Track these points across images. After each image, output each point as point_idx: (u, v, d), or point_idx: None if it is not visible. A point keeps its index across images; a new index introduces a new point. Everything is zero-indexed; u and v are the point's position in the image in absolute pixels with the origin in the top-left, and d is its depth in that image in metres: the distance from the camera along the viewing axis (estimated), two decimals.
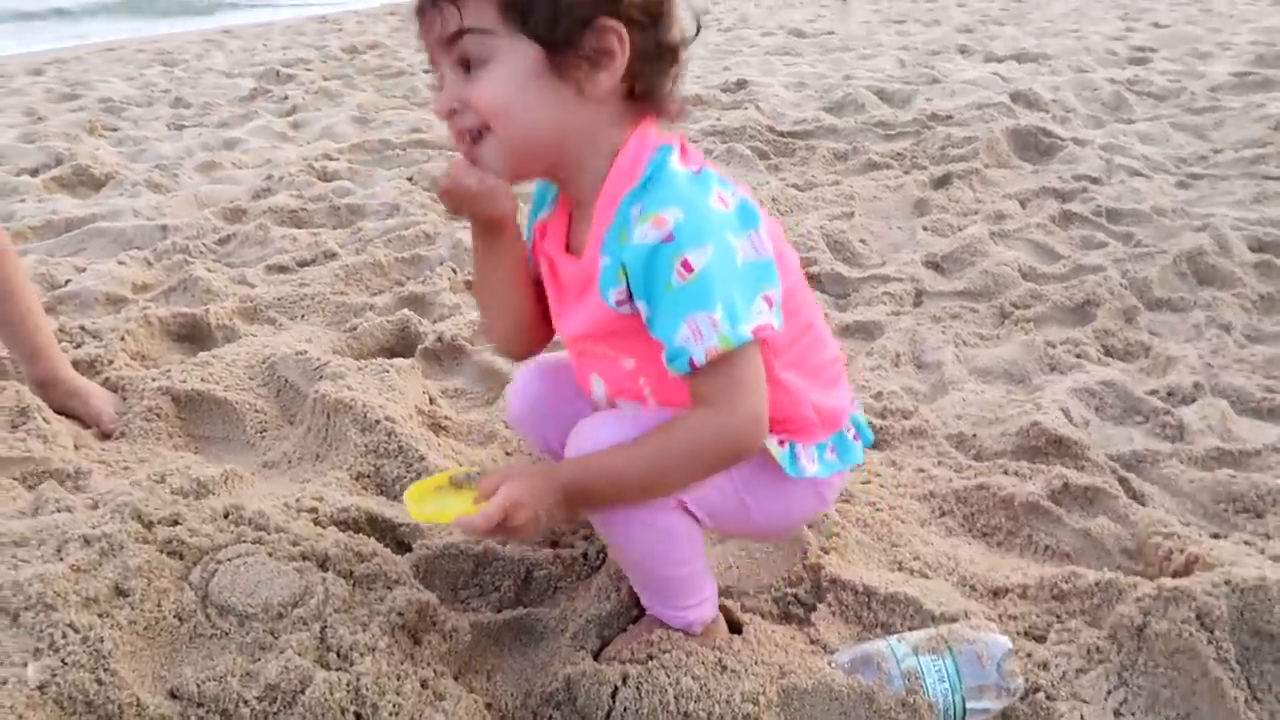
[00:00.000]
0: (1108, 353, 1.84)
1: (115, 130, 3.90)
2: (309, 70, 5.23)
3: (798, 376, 0.96)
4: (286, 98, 4.32)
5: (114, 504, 0.92)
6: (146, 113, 4.29)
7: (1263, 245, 2.28)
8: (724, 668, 0.92)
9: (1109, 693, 0.96)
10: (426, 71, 5.05)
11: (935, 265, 2.21)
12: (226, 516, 0.94)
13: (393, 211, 2.47)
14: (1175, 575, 1.09)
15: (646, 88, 0.88)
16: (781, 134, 3.32)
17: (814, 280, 2.11)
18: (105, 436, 1.47)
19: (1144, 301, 2.02)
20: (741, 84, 4.19)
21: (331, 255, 2.19)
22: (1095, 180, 2.82)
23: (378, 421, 1.31)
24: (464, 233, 2.27)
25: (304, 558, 0.91)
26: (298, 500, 1.11)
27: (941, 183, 2.78)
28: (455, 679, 0.91)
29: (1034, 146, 3.16)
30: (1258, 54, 4.81)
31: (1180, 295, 2.05)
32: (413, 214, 2.44)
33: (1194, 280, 2.13)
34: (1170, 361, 1.75)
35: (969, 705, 0.93)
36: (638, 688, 0.89)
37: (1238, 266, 2.15)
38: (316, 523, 1.05)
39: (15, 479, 1.27)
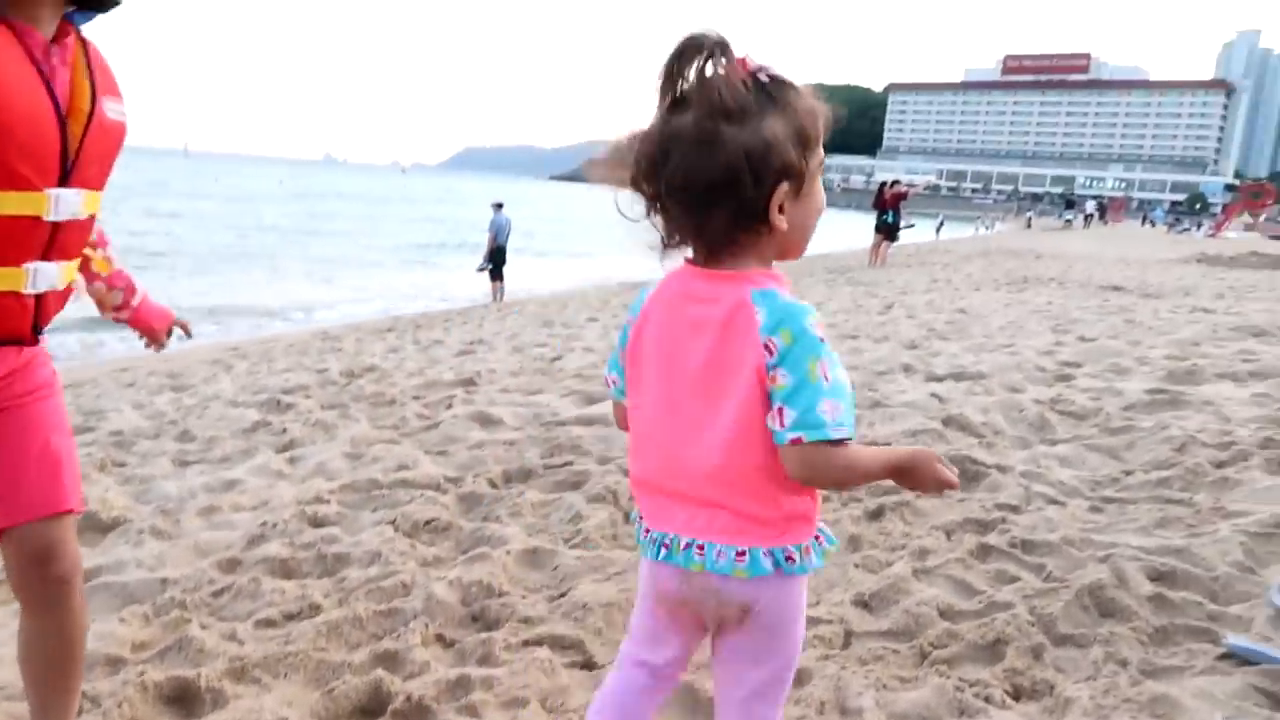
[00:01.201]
0: (1015, 693, 2.03)
1: (123, 466, 4.22)
2: (308, 398, 5.67)
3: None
4: (285, 430, 4.69)
5: None
6: (154, 446, 4.64)
7: (1160, 575, 2.54)
8: None
9: None
10: (415, 398, 5.50)
11: (864, 604, 2.44)
12: None
13: (374, 560, 2.72)
14: None
15: None
16: None
17: None
18: None
19: (1050, 638, 2.24)
20: None
21: (316, 608, 2.41)
22: (1014, 509, 3.12)
23: None
24: (437, 584, 2.50)
25: None
26: None
27: (875, 515, 3.07)
28: None
29: (962, 473, 3.47)
30: (1169, 370, 5.33)
31: (1082, 630, 2.27)
32: (392, 562, 2.69)
33: (1096, 614, 2.36)
34: (1067, 703, 1.94)
35: None
36: None
37: (1134, 599, 2.39)
38: None
39: None
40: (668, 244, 1.27)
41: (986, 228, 51.30)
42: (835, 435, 1.17)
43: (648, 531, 1.33)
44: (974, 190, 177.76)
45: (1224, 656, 2.13)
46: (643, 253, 1.28)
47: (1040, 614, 2.31)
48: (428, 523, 3.06)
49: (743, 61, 1.19)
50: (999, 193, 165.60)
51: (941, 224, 43.50)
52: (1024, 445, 3.97)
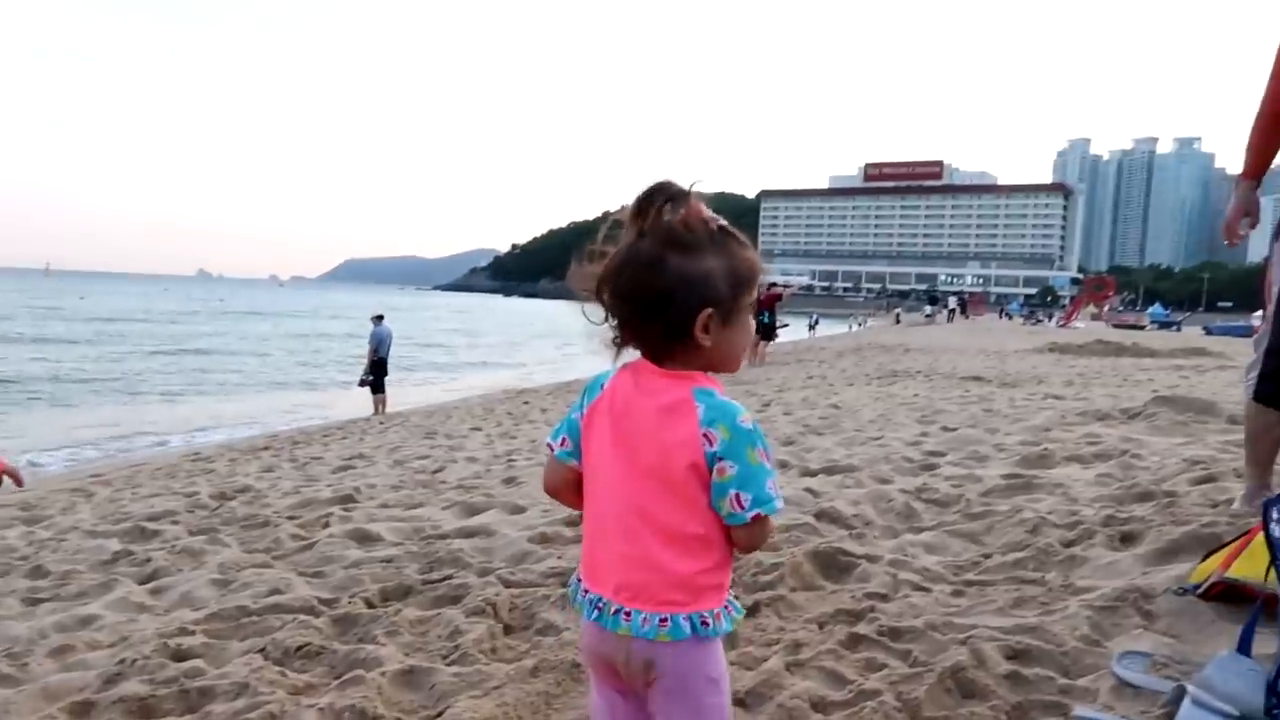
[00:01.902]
0: None
1: None
2: (175, 524, 5.43)
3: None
4: (149, 560, 4.48)
5: None
6: (1, 585, 4.34)
7: (1015, 654, 2.67)
8: None
9: None
10: (290, 518, 5.33)
11: (740, 702, 2.47)
12: None
13: (241, 691, 2.61)
14: None
15: None
16: None
17: None
18: None
19: None
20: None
21: None
22: (883, 597, 3.24)
23: None
24: (308, 712, 2.43)
25: None
26: None
27: (752, 612, 3.13)
28: None
29: (834, 565, 3.61)
30: (1023, 455, 5.66)
31: (945, 713, 2.36)
32: (261, 693, 2.59)
33: (958, 695, 2.46)
34: None
35: None
36: None
37: (993, 679, 2.50)
38: None
39: None
40: (619, 344, 1.50)
41: (859, 324, 53.73)
42: (780, 507, 1.45)
43: (585, 592, 1.51)
44: (846, 289, 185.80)
45: None
46: (603, 350, 1.51)
47: (906, 699, 2.40)
48: (299, 648, 2.96)
49: (698, 209, 1.45)
50: (869, 291, 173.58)
51: (816, 322, 45.40)
52: (892, 534, 4.13)
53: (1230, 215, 3.74)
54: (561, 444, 1.58)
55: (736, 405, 1.44)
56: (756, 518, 1.41)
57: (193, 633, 3.22)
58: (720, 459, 1.40)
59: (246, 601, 3.54)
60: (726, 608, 1.49)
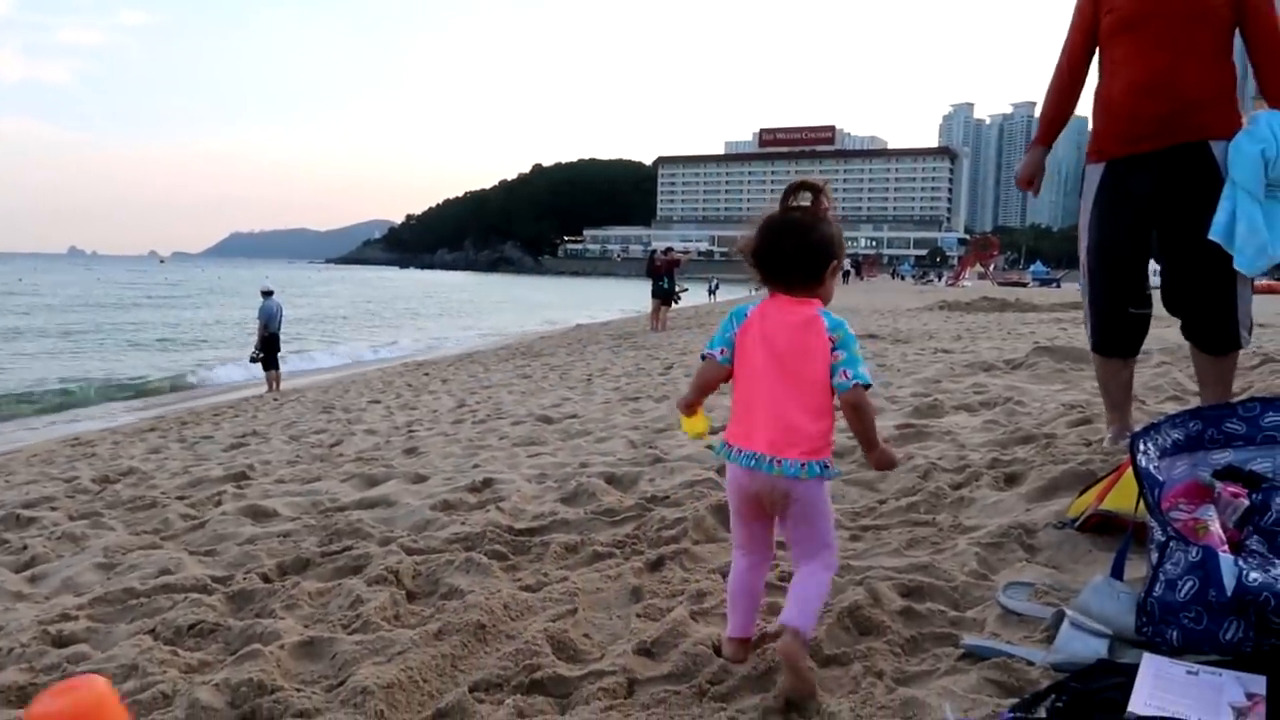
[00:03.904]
0: (785, 718, 2.14)
1: None
2: (54, 510, 5.17)
3: None
4: (25, 547, 4.25)
5: None
6: None
7: (909, 591, 2.77)
8: None
9: None
10: (180, 498, 5.13)
11: (646, 651, 2.50)
12: None
13: (130, 673, 2.51)
14: None
15: None
16: (519, 532, 3.67)
17: (538, 686, 2.34)
18: None
19: (817, 660, 2.38)
20: (487, 483, 4.60)
21: None
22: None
23: None
24: (202, 689, 2.35)
25: None
26: None
27: (655, 566, 3.16)
28: None
29: None
30: (915, 406, 5.85)
31: (844, 650, 2.43)
32: (151, 673, 2.49)
33: (856, 632, 2.54)
34: (830, 717, 2.08)
35: None
36: None
37: (888, 615, 2.59)
38: None
39: None
40: (762, 284, 2.28)
41: (757, 288, 54.55)
42: (871, 381, 2.17)
43: (740, 451, 2.18)
44: None
45: (964, 656, 2.35)
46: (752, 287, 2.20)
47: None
48: (192, 627, 2.86)
49: (827, 201, 2.21)
50: None
51: (716, 286, 45.82)
52: None
53: (1022, 172, 3.96)
54: (721, 353, 2.27)
55: (843, 319, 2.16)
56: (856, 386, 2.10)
57: (75, 618, 3.08)
58: (836, 349, 2.12)
59: (134, 583, 3.40)
60: (832, 461, 2.19)
